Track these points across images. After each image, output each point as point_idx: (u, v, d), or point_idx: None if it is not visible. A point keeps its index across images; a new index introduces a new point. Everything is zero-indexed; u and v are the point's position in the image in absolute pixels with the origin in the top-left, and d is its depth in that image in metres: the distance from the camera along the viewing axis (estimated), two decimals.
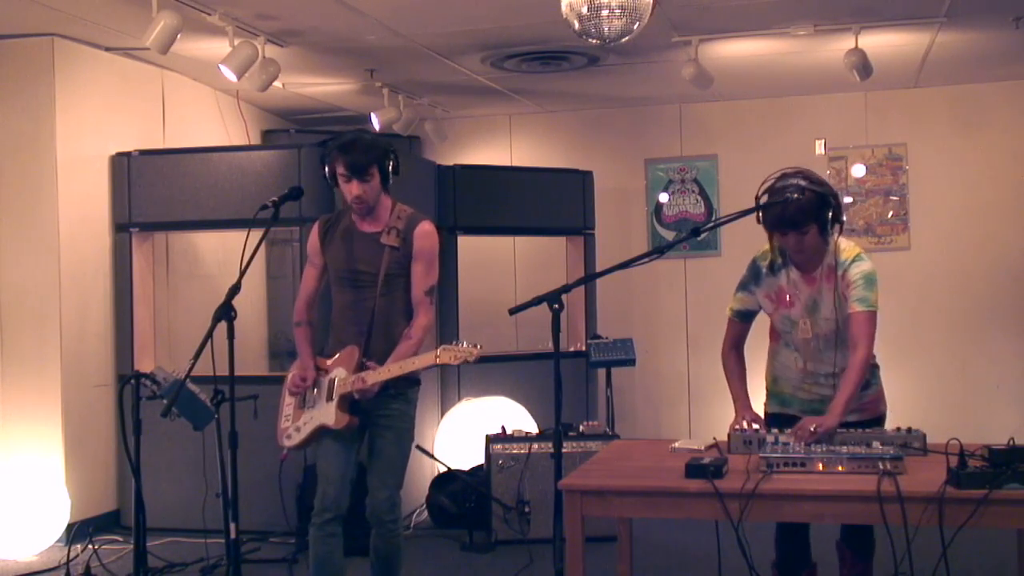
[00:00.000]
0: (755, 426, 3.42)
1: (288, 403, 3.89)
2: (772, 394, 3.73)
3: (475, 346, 3.54)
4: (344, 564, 3.79)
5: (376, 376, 3.63)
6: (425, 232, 3.79)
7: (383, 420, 3.77)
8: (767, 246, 3.60)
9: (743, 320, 3.70)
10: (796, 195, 3.35)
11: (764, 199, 3.43)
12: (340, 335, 3.82)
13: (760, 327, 3.74)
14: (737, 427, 3.42)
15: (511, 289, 7.83)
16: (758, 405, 3.65)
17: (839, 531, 3.72)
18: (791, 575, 3.66)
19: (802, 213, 3.34)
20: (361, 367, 3.69)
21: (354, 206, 3.76)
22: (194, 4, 4.98)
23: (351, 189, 3.72)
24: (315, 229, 3.91)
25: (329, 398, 3.74)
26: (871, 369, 3.54)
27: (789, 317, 3.56)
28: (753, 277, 3.64)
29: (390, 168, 3.76)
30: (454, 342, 3.59)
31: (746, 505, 2.85)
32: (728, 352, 3.71)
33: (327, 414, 3.73)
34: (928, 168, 7.46)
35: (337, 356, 3.78)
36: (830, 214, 3.38)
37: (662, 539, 5.29)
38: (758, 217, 3.45)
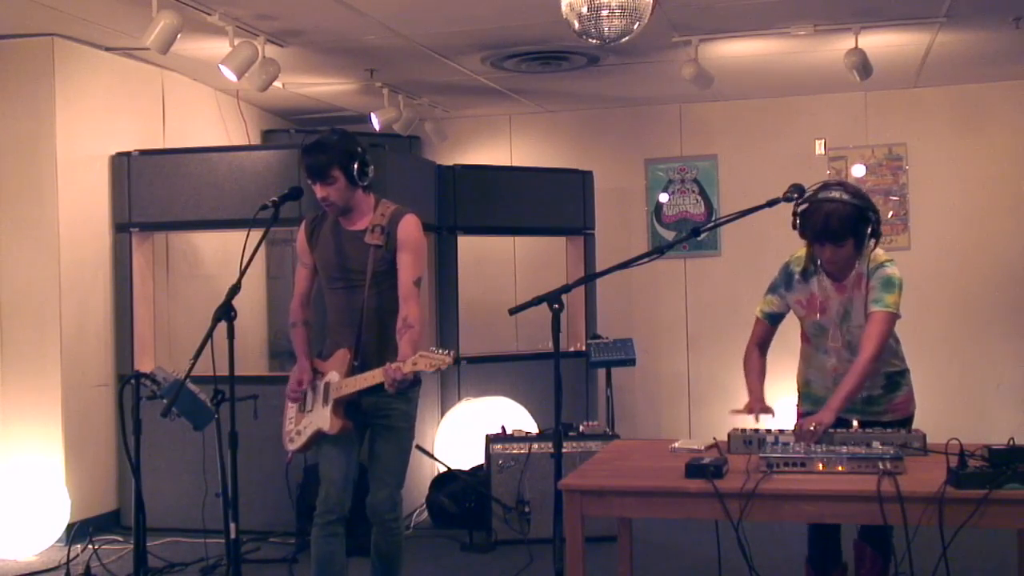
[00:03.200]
0: (763, 416, 3.47)
1: (291, 405, 3.91)
2: (804, 395, 3.75)
3: (447, 352, 3.50)
4: (346, 564, 3.80)
5: (370, 379, 3.63)
6: (409, 223, 3.76)
7: (383, 420, 3.77)
8: (800, 251, 3.62)
9: (772, 322, 3.72)
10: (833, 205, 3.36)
11: (802, 208, 3.44)
12: (334, 337, 3.82)
13: (788, 331, 3.75)
14: (741, 410, 3.48)
15: (511, 289, 7.83)
16: (774, 402, 3.69)
17: (857, 531, 3.73)
18: (823, 572, 3.71)
19: (843, 227, 3.35)
20: (353, 369, 3.69)
21: (324, 207, 3.76)
22: (194, 4, 4.98)
23: (316, 191, 3.72)
24: (302, 229, 3.91)
25: (325, 403, 3.75)
26: (902, 373, 3.62)
27: (820, 324, 3.59)
28: (785, 282, 3.65)
29: (355, 169, 3.68)
30: (432, 349, 3.57)
31: (746, 505, 2.85)
32: (751, 350, 3.72)
33: (323, 419, 3.74)
34: (928, 168, 7.46)
35: (330, 359, 3.79)
36: (868, 229, 3.40)
37: (662, 539, 5.29)
38: (794, 223, 3.46)
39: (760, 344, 3.72)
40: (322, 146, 3.69)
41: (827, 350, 3.60)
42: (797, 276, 3.60)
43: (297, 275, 3.95)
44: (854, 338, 3.50)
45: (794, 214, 3.45)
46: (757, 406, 3.53)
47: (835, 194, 3.37)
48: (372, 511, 3.78)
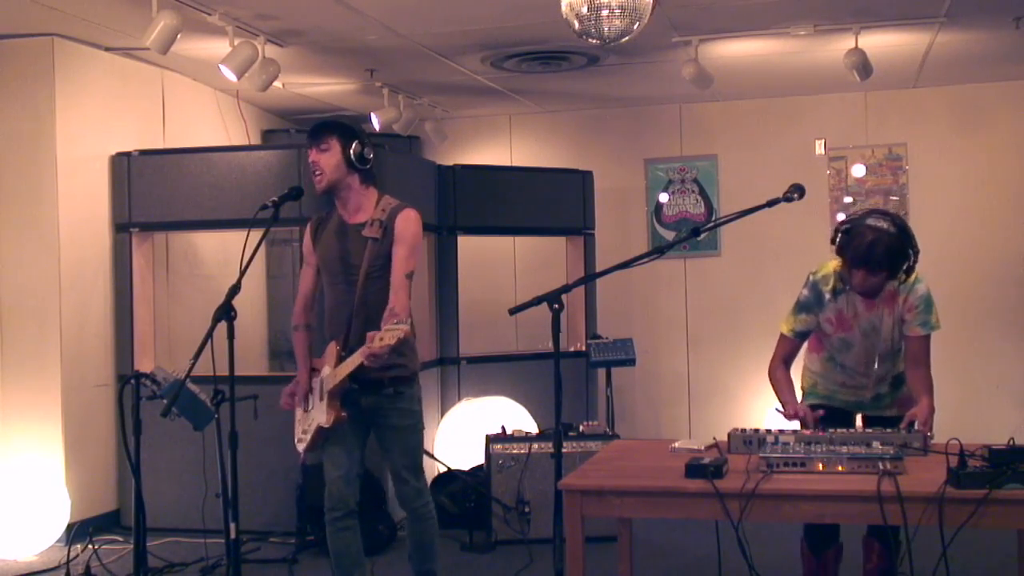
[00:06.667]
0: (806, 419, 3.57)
1: (297, 408, 3.95)
2: (809, 393, 3.88)
3: (401, 323, 3.50)
4: (361, 552, 3.91)
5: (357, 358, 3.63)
6: (407, 217, 3.78)
7: (382, 421, 3.84)
8: (824, 269, 3.67)
9: (801, 339, 3.77)
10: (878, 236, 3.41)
11: (846, 227, 3.50)
12: (330, 332, 3.86)
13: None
14: (785, 414, 3.59)
15: (511, 289, 7.83)
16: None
17: (866, 525, 3.80)
18: (819, 550, 3.79)
19: (884, 258, 3.40)
20: (341, 359, 3.72)
21: (313, 178, 3.78)
22: (194, 4, 4.97)
23: (310, 157, 3.77)
24: (307, 229, 3.96)
25: (321, 397, 3.79)
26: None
27: (846, 340, 3.68)
28: (817, 301, 3.69)
29: (352, 148, 3.74)
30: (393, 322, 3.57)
31: (746, 505, 2.85)
32: (777, 366, 3.76)
33: (320, 414, 3.78)
34: (928, 168, 7.46)
35: (323, 355, 3.84)
36: (905, 265, 3.46)
37: (662, 539, 5.29)
38: (834, 239, 3.51)
39: (786, 360, 3.77)
40: (328, 119, 3.86)
41: (842, 362, 3.72)
42: (828, 296, 3.64)
43: (302, 275, 4.00)
44: (878, 352, 3.65)
45: (836, 231, 3.50)
46: (798, 410, 3.61)
47: (884, 224, 3.41)
48: (400, 502, 3.92)
